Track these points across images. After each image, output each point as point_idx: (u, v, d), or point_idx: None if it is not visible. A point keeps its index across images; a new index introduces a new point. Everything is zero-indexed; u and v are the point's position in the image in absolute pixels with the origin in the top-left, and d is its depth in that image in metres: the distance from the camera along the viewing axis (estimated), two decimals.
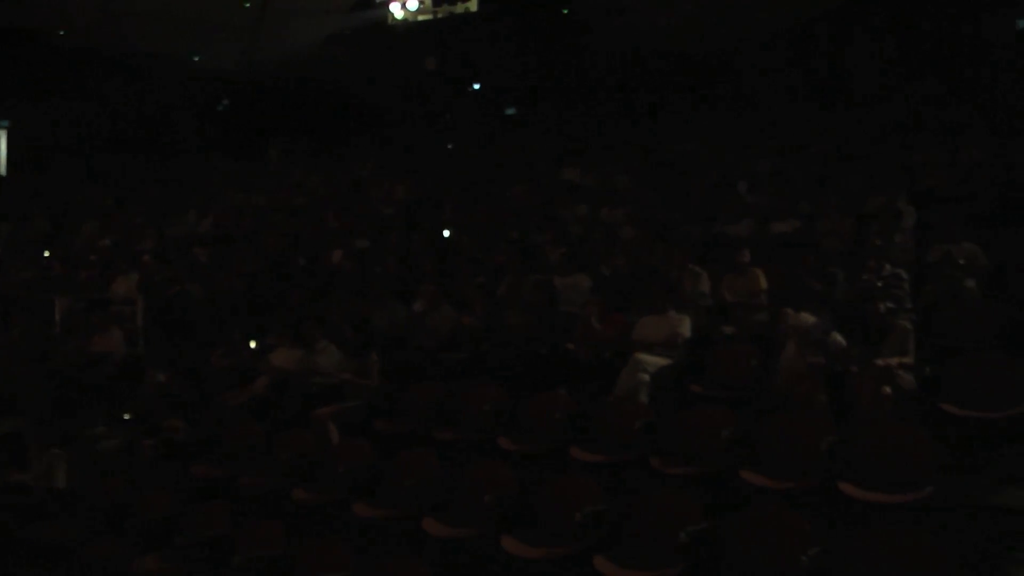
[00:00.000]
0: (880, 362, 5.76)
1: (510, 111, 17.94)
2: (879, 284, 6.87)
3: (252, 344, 8.95)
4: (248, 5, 14.97)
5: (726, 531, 4.81)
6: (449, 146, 17.40)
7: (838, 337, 6.23)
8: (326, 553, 5.43)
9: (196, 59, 17.90)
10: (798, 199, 9.82)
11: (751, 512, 4.98)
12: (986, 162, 9.65)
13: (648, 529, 5.03)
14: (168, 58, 17.40)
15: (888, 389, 5.61)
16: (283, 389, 7.84)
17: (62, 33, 16.34)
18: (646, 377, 6.54)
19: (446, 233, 11.93)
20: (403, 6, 15.48)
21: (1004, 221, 8.04)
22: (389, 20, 15.74)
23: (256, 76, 18.37)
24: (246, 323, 9.45)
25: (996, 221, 8.07)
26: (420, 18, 15.83)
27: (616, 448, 5.91)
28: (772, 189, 10.44)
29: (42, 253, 13.67)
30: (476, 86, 18.60)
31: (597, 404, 6.49)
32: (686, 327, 6.98)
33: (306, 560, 5.46)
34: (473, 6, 15.50)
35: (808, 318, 6.51)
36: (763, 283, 7.57)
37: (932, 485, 4.79)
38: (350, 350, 7.83)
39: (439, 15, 15.56)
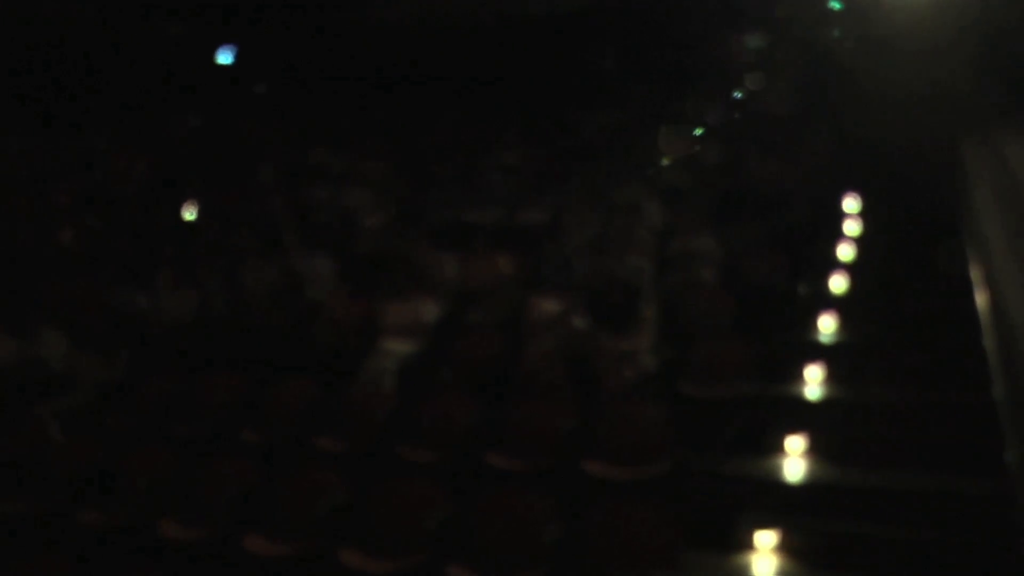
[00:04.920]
0: (622, 346, 6.06)
1: (260, 89, 17.19)
2: (622, 274, 7.21)
3: None
4: None
5: (471, 515, 4.90)
6: (194, 122, 16.46)
7: (582, 323, 6.50)
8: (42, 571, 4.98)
9: None
10: (545, 190, 10.11)
11: (495, 494, 5.10)
12: (721, 164, 10.35)
13: (394, 517, 5.04)
14: None
15: (629, 371, 5.91)
16: None
17: None
18: (391, 364, 6.53)
19: (189, 214, 11.33)
20: None
21: (734, 217, 8.71)
22: None
23: None
24: None
25: (728, 217, 8.71)
26: None
27: (361, 437, 5.86)
28: (521, 179, 10.67)
29: None
30: (225, 58, 17.63)
31: (342, 392, 6.38)
32: (431, 313, 7.03)
33: None
34: None
35: (553, 305, 6.75)
36: (507, 270, 7.73)
37: (669, 459, 5.16)
38: (84, 339, 7.22)
39: None
